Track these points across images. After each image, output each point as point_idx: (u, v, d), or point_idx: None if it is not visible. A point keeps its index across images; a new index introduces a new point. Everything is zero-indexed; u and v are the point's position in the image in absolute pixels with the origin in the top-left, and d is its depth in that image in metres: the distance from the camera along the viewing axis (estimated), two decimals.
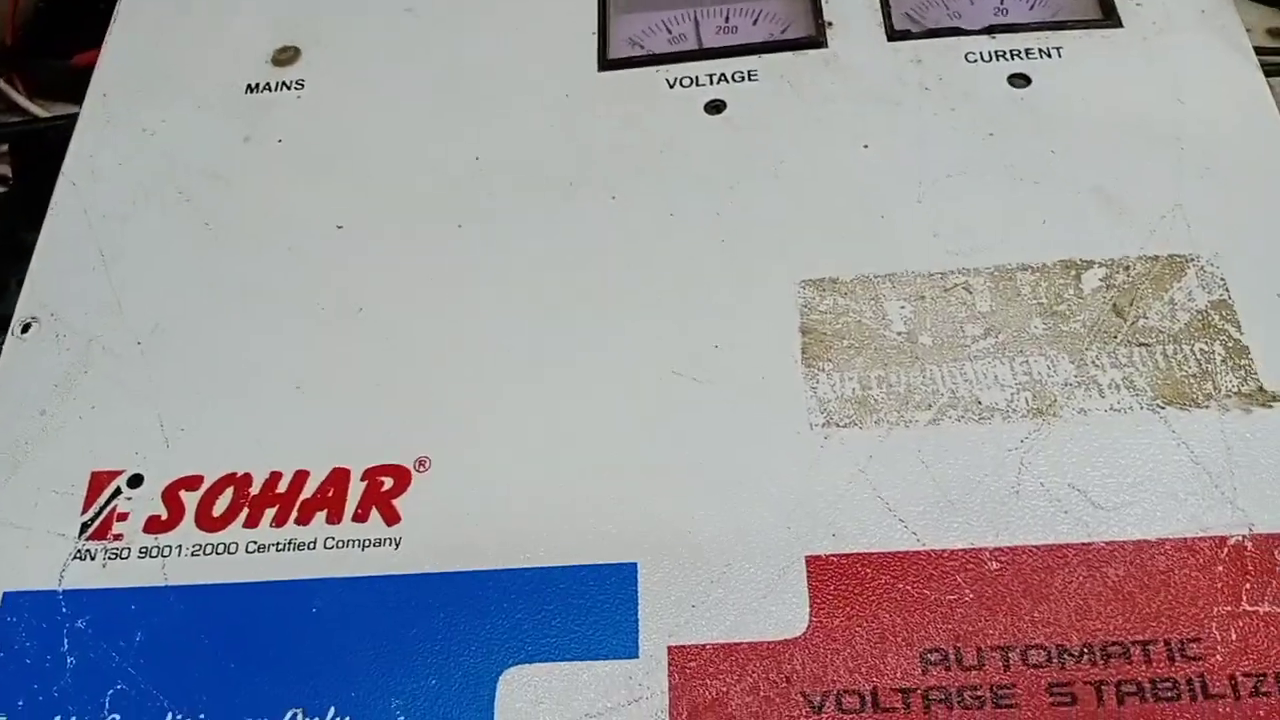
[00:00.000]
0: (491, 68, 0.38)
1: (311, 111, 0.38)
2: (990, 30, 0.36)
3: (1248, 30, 0.36)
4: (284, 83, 0.39)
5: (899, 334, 0.31)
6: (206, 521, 0.30)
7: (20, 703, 0.28)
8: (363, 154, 0.37)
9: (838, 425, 0.30)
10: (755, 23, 0.39)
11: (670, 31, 0.40)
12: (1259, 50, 0.36)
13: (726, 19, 0.40)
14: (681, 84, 0.37)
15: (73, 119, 0.40)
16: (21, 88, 0.57)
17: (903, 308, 0.31)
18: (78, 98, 0.41)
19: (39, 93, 0.56)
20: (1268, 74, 0.35)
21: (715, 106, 0.36)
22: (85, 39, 0.48)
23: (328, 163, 0.37)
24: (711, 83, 0.37)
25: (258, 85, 0.39)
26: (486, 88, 0.38)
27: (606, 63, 0.38)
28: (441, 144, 0.36)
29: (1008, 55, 0.36)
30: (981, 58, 0.36)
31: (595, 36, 0.38)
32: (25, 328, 0.34)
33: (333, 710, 0.27)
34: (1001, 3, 0.38)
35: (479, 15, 0.40)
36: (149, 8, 0.42)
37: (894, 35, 0.37)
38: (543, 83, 0.38)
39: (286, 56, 0.40)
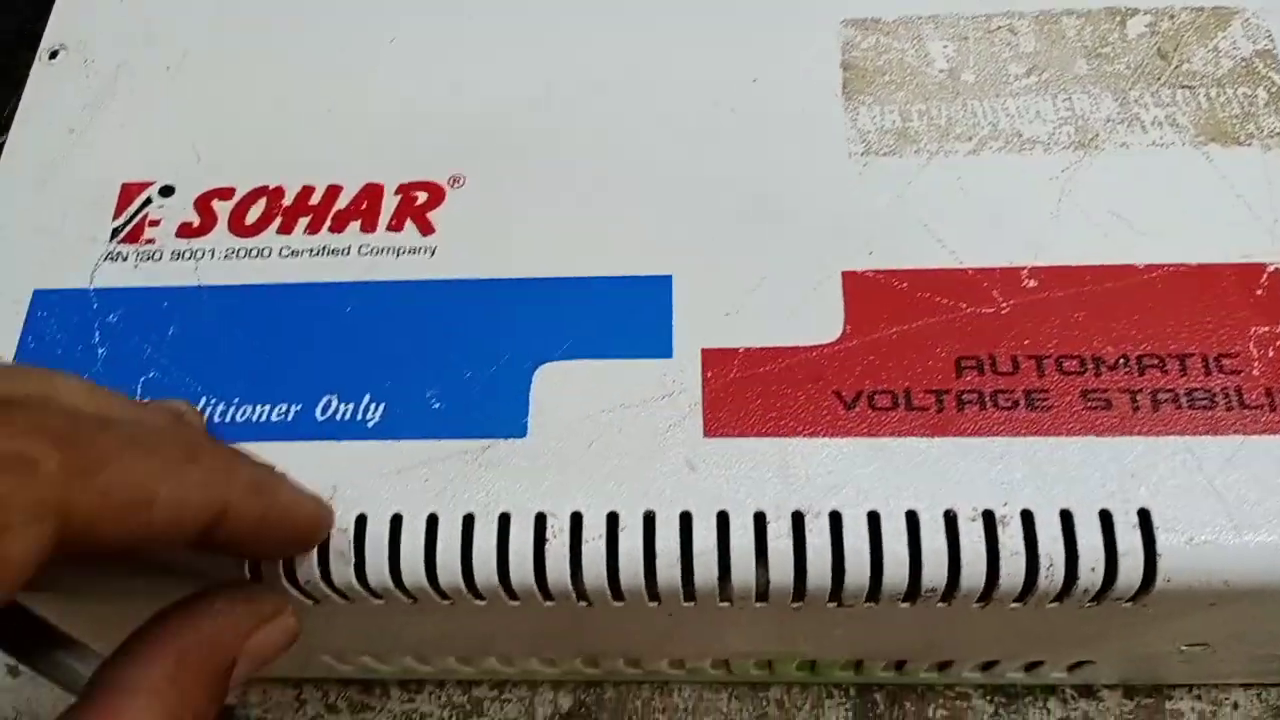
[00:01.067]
0: None
1: None
2: None
3: None
4: None
5: (941, 71, 0.30)
6: (239, 228, 0.30)
7: None
8: None
9: (877, 154, 0.29)
10: None
11: None
12: None
13: None
14: None
15: None
16: None
17: (945, 47, 0.31)
18: None
19: None
20: None
21: None
22: None
23: None
24: None
25: None
26: None
27: None
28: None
29: None
30: None
31: None
32: (53, 54, 0.34)
33: (368, 397, 0.27)
34: None
35: None
36: None
37: None
38: None
39: None
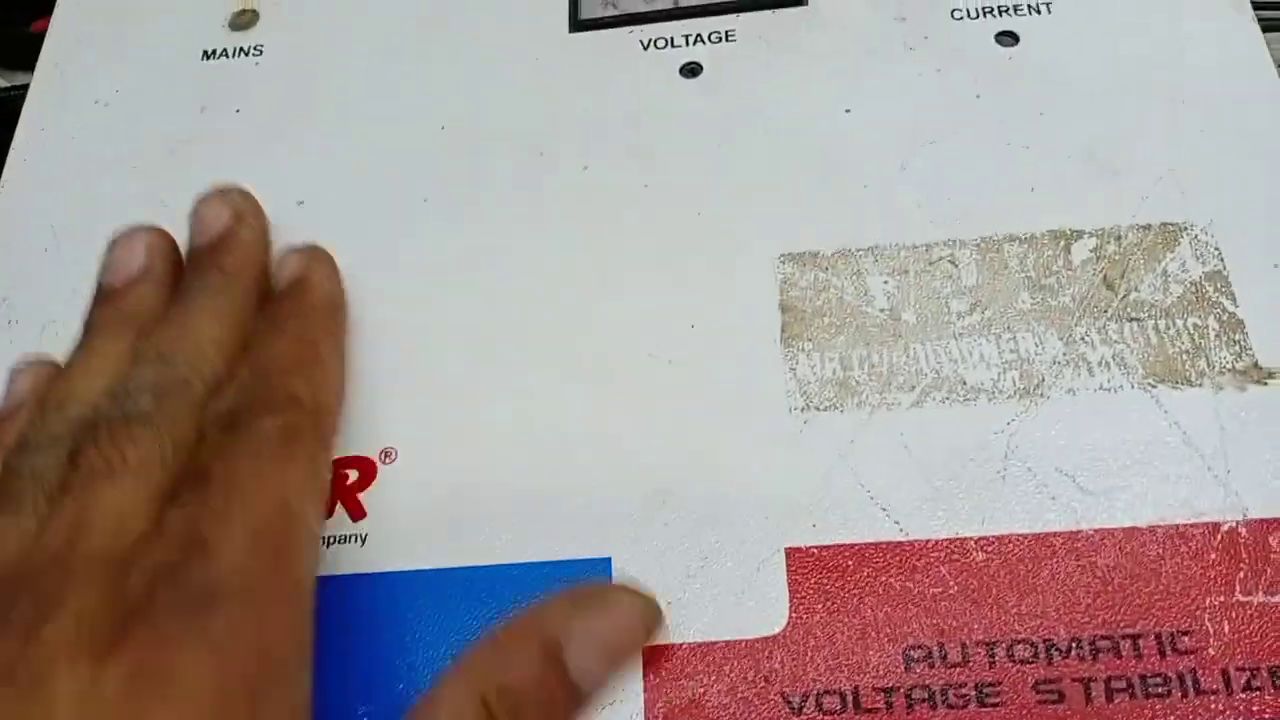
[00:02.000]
0: (459, 28, 0.37)
1: (270, 79, 0.37)
2: None
3: None
4: (242, 49, 0.37)
5: (881, 311, 0.30)
6: None
7: None
8: (323, 125, 0.35)
9: (818, 409, 0.29)
10: None
11: None
12: (1255, 4, 0.34)
13: None
14: (656, 45, 0.35)
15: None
16: None
17: (885, 283, 0.30)
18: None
19: None
20: (1264, 28, 0.33)
21: (691, 70, 0.34)
22: (45, 4, 0.45)
23: (287, 134, 0.35)
24: (688, 44, 0.35)
25: (214, 52, 0.37)
26: (453, 50, 0.36)
27: (578, 23, 0.36)
28: (406, 113, 0.35)
29: (995, 11, 0.34)
30: (968, 14, 0.34)
31: None
32: None
33: None
34: None
35: None
36: None
37: None
38: (512, 44, 0.36)
39: (244, 20, 0.38)
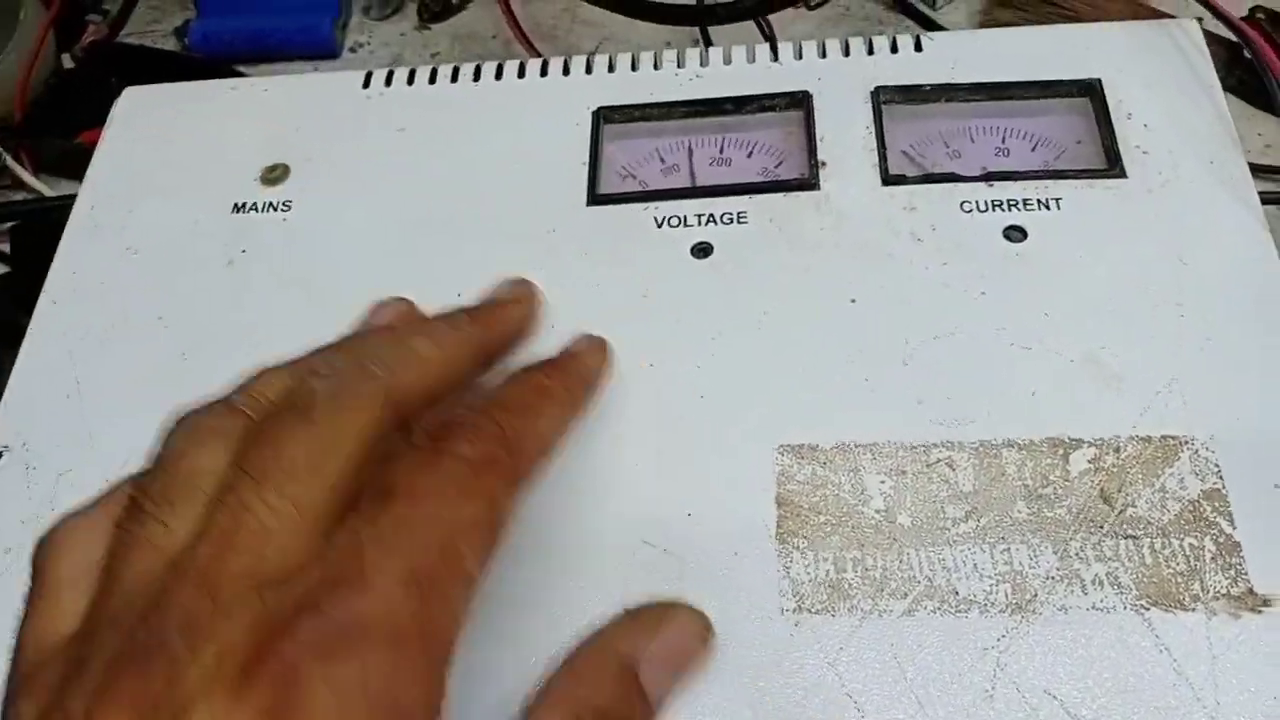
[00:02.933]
0: (481, 196, 0.38)
1: (295, 236, 0.38)
2: (988, 178, 0.35)
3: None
4: (270, 204, 0.39)
5: (878, 512, 0.30)
6: None
7: None
8: (344, 286, 0.36)
9: (810, 611, 0.29)
10: (750, 155, 0.39)
11: (664, 161, 0.39)
12: (1257, 170, 0.34)
13: (721, 150, 0.39)
14: (670, 224, 0.36)
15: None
16: (29, 164, 0.57)
17: (883, 483, 0.30)
18: (82, 176, 0.41)
19: (45, 169, 0.56)
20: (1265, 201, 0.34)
21: (702, 250, 0.35)
22: (94, 116, 0.47)
23: (308, 293, 0.36)
24: (700, 224, 0.36)
25: (244, 205, 0.39)
26: (474, 218, 0.37)
27: (596, 197, 0.37)
28: (424, 277, 0.36)
29: (1005, 206, 0.35)
30: (977, 207, 0.35)
31: (586, 167, 0.38)
32: None
33: None
34: (1003, 142, 0.37)
35: (475, 137, 0.39)
36: (143, 115, 0.42)
37: (888, 180, 0.36)
38: (530, 216, 0.37)
39: (275, 175, 0.39)
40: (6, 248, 0.52)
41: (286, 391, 0.25)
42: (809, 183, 0.36)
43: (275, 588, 0.21)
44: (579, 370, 0.31)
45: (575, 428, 0.29)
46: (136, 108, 0.42)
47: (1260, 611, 0.28)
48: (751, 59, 0.40)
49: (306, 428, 0.23)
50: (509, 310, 0.31)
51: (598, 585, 0.30)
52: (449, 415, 0.25)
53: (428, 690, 0.22)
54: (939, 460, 0.30)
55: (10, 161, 0.57)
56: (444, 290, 0.35)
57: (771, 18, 0.48)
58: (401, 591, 0.21)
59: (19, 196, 0.57)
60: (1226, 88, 0.37)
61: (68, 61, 0.60)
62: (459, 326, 0.28)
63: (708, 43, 0.49)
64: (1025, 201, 0.35)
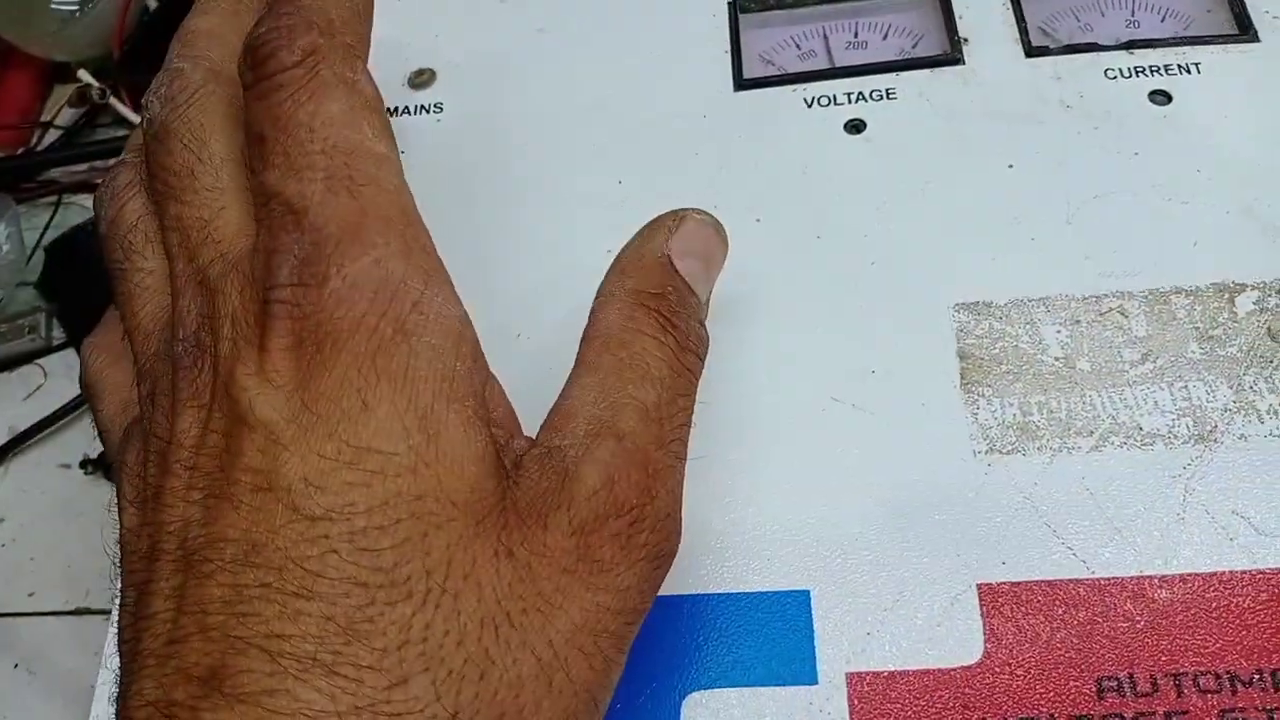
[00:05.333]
0: (627, 89, 0.39)
1: (450, 136, 0.39)
2: (1129, 46, 0.37)
3: None
4: (422, 106, 0.40)
5: (1056, 359, 0.31)
6: None
7: None
8: (501, 182, 0.37)
9: (1001, 452, 0.30)
10: (885, 38, 0.40)
11: (799, 47, 0.40)
12: None
13: (855, 34, 0.40)
14: (820, 103, 0.37)
15: None
16: (128, 100, 0.59)
17: (1059, 332, 0.32)
18: None
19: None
20: None
21: (855, 126, 0.36)
22: None
23: (466, 192, 0.37)
24: (850, 102, 0.37)
25: (396, 109, 0.40)
26: (623, 110, 0.38)
27: (742, 82, 0.38)
28: (583, 169, 0.37)
29: (1147, 71, 0.36)
30: (1121, 74, 0.36)
31: (729, 55, 0.39)
32: None
33: None
34: (1133, 15, 0.39)
35: (613, 35, 0.40)
36: None
37: (1032, 51, 0.37)
38: (679, 104, 0.38)
39: (423, 79, 0.40)
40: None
41: (146, 124, 0.28)
42: (953, 58, 0.37)
43: (245, 257, 0.25)
44: None
45: None
46: None
47: None
48: None
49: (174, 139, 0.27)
50: None
51: (790, 442, 0.31)
52: (250, 39, 0.26)
53: (403, 208, 0.26)
54: (1111, 309, 0.32)
55: (112, 99, 0.59)
56: (603, 181, 0.37)
57: None
58: (330, 196, 0.24)
59: (122, 133, 0.58)
60: None
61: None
62: None
63: None
64: (1166, 67, 0.36)
